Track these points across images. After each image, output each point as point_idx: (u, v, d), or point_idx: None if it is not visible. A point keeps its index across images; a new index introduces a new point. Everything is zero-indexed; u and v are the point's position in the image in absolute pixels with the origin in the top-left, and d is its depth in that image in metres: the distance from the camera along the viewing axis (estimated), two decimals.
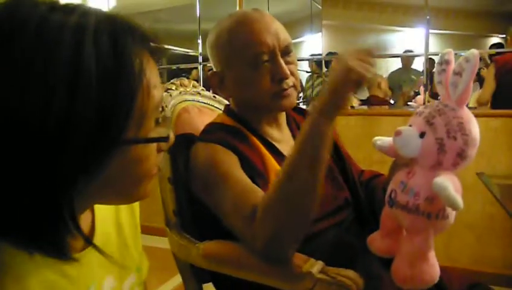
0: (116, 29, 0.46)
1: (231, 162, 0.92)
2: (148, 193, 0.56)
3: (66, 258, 0.49)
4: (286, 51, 0.98)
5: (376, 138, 0.81)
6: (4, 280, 0.46)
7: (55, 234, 0.46)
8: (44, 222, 0.45)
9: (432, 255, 0.72)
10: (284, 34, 0.99)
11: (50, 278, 0.50)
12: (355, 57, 0.73)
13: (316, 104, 0.75)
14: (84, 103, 0.43)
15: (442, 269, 1.04)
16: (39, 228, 0.45)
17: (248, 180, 0.89)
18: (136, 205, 0.72)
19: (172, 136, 0.55)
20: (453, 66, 0.70)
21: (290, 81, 0.97)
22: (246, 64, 0.96)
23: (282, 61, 0.96)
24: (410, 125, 0.73)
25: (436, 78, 0.74)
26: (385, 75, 4.43)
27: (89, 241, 0.53)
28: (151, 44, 0.51)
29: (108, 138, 0.45)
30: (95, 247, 0.52)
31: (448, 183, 0.65)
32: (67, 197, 0.45)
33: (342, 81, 0.72)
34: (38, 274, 0.49)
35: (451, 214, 0.70)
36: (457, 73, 0.68)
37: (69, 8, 0.46)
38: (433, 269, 0.72)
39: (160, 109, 0.53)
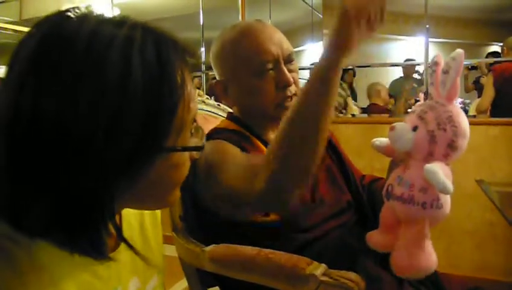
0: (160, 42, 0.49)
1: (236, 150, 0.94)
2: (176, 200, 0.58)
3: (104, 257, 0.50)
4: (289, 59, 1.01)
5: (374, 139, 0.86)
6: (42, 280, 0.47)
7: (96, 234, 0.48)
8: (87, 221, 0.47)
9: (428, 244, 0.75)
10: (286, 43, 1.02)
11: (85, 279, 0.52)
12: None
13: (324, 47, 0.72)
14: (131, 112, 0.45)
15: (442, 275, 1.06)
16: (81, 227, 0.47)
17: (251, 156, 0.89)
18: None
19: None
20: (441, 66, 0.74)
21: (293, 88, 1.00)
22: (251, 73, 0.98)
23: (285, 69, 0.99)
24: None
25: (429, 80, 0.79)
26: (386, 83, 4.46)
27: (125, 241, 0.54)
28: (190, 58, 0.53)
29: (152, 145, 0.48)
30: (129, 245, 0.53)
31: (438, 169, 0.69)
32: (109, 199, 0.47)
33: (344, 15, 0.68)
34: (74, 275, 0.50)
35: (446, 203, 0.73)
36: (445, 72, 0.73)
37: (117, 21, 0.48)
38: (430, 258, 0.75)
39: (194, 120, 0.55)
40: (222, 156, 0.92)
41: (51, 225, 0.46)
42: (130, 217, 0.66)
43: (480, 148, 2.29)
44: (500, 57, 3.44)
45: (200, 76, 3.47)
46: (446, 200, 0.74)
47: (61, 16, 0.48)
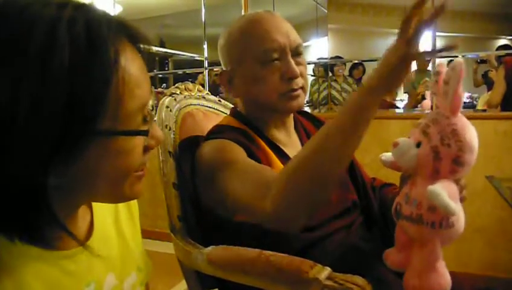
0: (91, 18, 0.47)
1: (239, 151, 0.91)
2: (137, 193, 0.55)
3: (49, 247, 0.49)
4: (297, 52, 0.98)
5: (381, 154, 0.83)
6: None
7: (34, 224, 0.47)
8: (20, 208, 0.46)
9: (441, 265, 0.73)
10: (294, 35, 0.99)
11: (47, 273, 0.50)
12: (412, 34, 0.67)
13: (367, 80, 0.70)
14: (55, 89, 0.43)
15: (452, 274, 1.02)
16: (16, 214, 0.46)
17: (256, 163, 0.87)
18: (134, 204, 0.72)
19: (160, 134, 0.56)
20: (443, 76, 0.70)
21: (300, 81, 0.97)
22: (256, 61, 0.96)
23: (292, 61, 0.96)
24: (409, 137, 0.74)
25: (431, 90, 0.75)
26: None
27: (70, 233, 0.52)
28: (131, 35, 0.51)
29: (80, 125, 0.45)
30: (75, 239, 0.52)
31: (441, 190, 0.66)
32: (42, 185, 0.45)
33: (400, 58, 0.66)
34: (35, 268, 0.49)
35: (458, 222, 0.70)
36: (446, 82, 0.69)
37: (48, 1, 0.47)
38: (443, 279, 0.73)
39: (151, 108, 0.53)
40: (227, 158, 0.89)
41: None
42: (104, 212, 0.64)
43: (489, 144, 2.24)
44: (510, 50, 3.38)
45: (203, 72, 3.44)
46: (458, 218, 0.70)
47: None
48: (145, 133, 0.53)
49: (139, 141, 0.52)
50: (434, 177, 0.70)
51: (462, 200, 0.74)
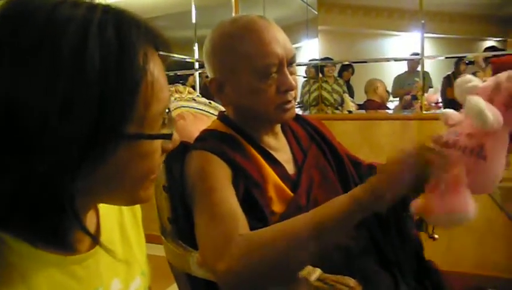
0: (121, 21, 0.47)
1: (221, 176, 0.90)
2: (150, 197, 0.56)
3: (69, 250, 0.50)
4: (291, 62, 0.97)
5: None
6: (11, 277, 0.46)
7: (58, 223, 0.48)
8: (46, 208, 0.46)
9: (464, 189, 0.69)
10: (289, 44, 0.97)
11: (57, 277, 0.50)
12: (412, 161, 0.69)
13: (355, 197, 0.71)
14: (86, 92, 0.43)
15: (443, 273, 1.03)
16: (41, 214, 0.46)
17: (232, 205, 0.85)
18: (138, 208, 0.72)
19: (177, 137, 0.56)
20: None
21: (294, 93, 0.97)
22: (254, 74, 0.93)
23: (288, 73, 0.94)
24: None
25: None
26: (387, 78, 4.45)
27: (92, 235, 0.53)
28: (158, 40, 0.52)
29: (110, 127, 0.45)
30: (99, 243, 0.52)
31: (481, 100, 0.65)
32: (69, 187, 0.45)
33: (392, 190, 0.69)
34: (45, 273, 0.49)
35: (492, 159, 0.68)
36: None
37: (77, 3, 0.47)
38: (465, 200, 0.68)
39: (167, 110, 0.53)
40: (206, 186, 0.88)
41: (10, 212, 0.46)
42: (109, 216, 0.64)
43: None
44: (497, 51, 3.42)
45: (193, 74, 3.43)
46: (493, 155, 0.68)
47: None
48: (169, 136, 0.54)
49: (159, 144, 0.53)
50: None
51: (507, 166, 0.71)
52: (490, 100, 0.69)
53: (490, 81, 0.71)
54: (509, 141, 0.70)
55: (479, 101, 0.65)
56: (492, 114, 0.65)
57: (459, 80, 0.74)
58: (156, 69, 0.50)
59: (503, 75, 0.70)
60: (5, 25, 0.44)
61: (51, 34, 0.43)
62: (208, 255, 0.80)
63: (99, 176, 0.48)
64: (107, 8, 0.48)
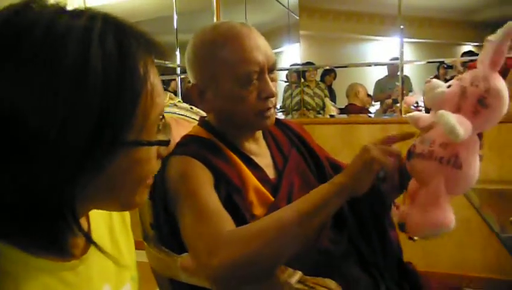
0: (122, 32, 0.48)
1: (203, 180, 0.90)
2: (143, 201, 0.57)
3: (67, 256, 0.50)
4: (272, 68, 0.97)
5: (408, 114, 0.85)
6: (4, 284, 0.46)
7: (56, 229, 0.48)
8: (46, 214, 0.46)
9: (445, 201, 0.73)
10: (270, 51, 0.97)
11: (49, 284, 0.50)
12: (378, 148, 0.80)
13: (335, 182, 0.80)
14: (88, 103, 0.44)
15: (421, 274, 1.05)
16: (40, 221, 0.47)
17: (216, 204, 0.86)
18: (127, 213, 0.72)
19: (172, 143, 0.56)
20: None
21: (274, 100, 0.97)
22: (235, 81, 0.93)
23: (269, 80, 0.95)
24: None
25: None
26: (368, 83, 4.51)
27: (90, 239, 0.53)
28: (156, 50, 0.52)
29: (111, 137, 0.46)
30: (99, 248, 0.52)
31: (451, 114, 0.68)
32: (69, 194, 0.46)
33: (365, 170, 0.78)
34: (38, 279, 0.49)
35: (467, 165, 0.70)
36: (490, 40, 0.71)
37: (77, 12, 0.47)
38: (446, 214, 0.72)
39: (161, 116, 0.54)
40: (189, 190, 0.89)
41: (9, 224, 0.46)
42: (99, 220, 0.64)
43: None
44: (474, 56, 3.49)
45: (175, 79, 3.42)
46: (468, 162, 0.70)
47: (22, 5, 0.46)
48: (166, 143, 0.55)
49: (155, 150, 0.54)
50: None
51: (480, 159, 0.74)
52: (458, 108, 0.71)
53: (455, 85, 0.73)
54: (478, 139, 0.73)
55: (450, 118, 0.67)
56: (464, 128, 0.67)
57: (426, 86, 0.77)
58: (154, 78, 0.51)
59: (466, 79, 0.72)
60: (5, 36, 0.44)
61: (51, 45, 0.43)
62: (199, 253, 0.80)
63: (98, 183, 0.48)
64: (106, 18, 0.48)
